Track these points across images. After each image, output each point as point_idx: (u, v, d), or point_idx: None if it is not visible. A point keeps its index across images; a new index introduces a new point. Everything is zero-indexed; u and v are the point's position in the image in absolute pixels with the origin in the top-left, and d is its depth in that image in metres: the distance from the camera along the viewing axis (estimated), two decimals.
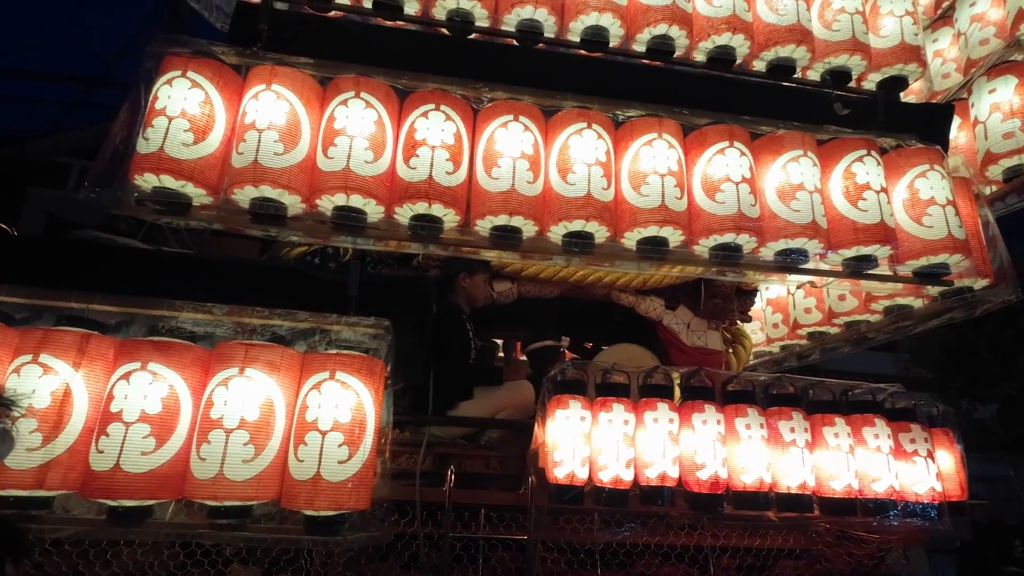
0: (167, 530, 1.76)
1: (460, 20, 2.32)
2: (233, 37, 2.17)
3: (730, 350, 3.45)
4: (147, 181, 1.83)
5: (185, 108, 1.85)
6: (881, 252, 2.18)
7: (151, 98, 1.88)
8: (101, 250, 2.21)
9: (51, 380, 1.64)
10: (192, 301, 1.88)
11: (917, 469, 2.15)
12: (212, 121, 1.89)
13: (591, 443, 2.03)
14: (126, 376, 1.67)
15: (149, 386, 1.66)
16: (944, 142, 2.51)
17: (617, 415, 2.03)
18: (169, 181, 1.83)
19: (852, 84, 2.61)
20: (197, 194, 1.88)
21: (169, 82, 1.88)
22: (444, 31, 2.39)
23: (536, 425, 2.10)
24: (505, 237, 2.03)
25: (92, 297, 1.83)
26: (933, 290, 2.54)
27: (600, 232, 2.05)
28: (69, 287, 1.83)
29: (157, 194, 1.85)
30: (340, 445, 1.70)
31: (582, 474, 1.98)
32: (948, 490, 2.22)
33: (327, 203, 1.94)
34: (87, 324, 1.75)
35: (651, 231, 2.05)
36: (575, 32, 2.38)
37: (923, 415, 2.30)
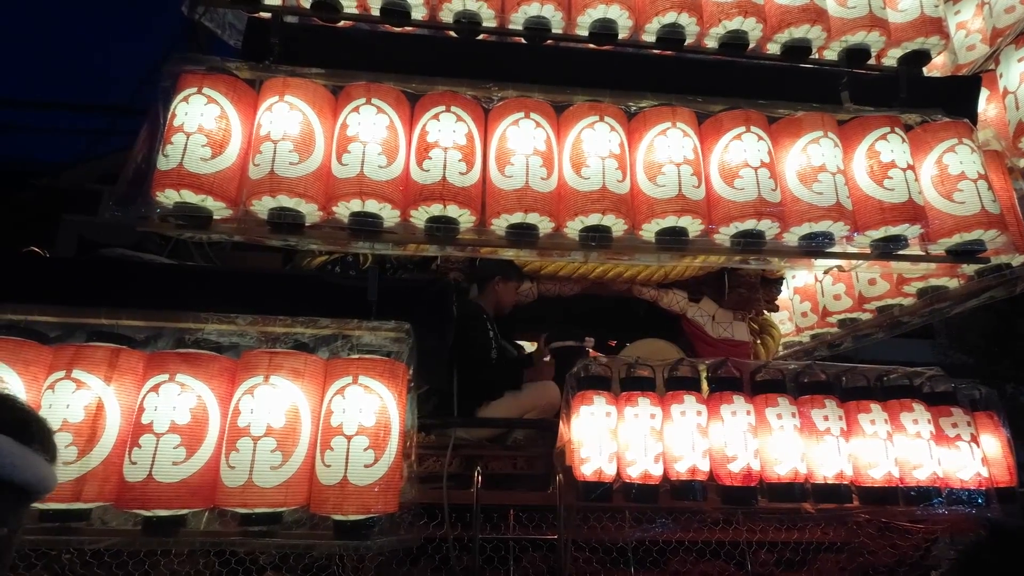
0: (201, 539, 1.78)
1: (467, 21, 2.33)
2: (246, 52, 2.21)
3: (758, 341, 3.39)
4: (168, 197, 1.87)
5: (202, 124, 1.89)
6: (911, 231, 2.11)
7: (169, 116, 1.92)
8: (128, 267, 2.27)
9: (84, 395, 1.67)
10: (217, 312, 1.91)
11: (961, 454, 2.06)
12: (228, 135, 1.92)
13: (618, 439, 2.00)
14: (155, 388, 1.70)
15: (178, 397, 1.69)
16: (972, 115, 2.42)
17: (643, 409, 2.00)
18: (189, 196, 1.86)
19: (872, 61, 2.55)
20: (217, 207, 1.91)
21: (186, 99, 1.92)
22: (452, 33, 2.40)
23: (561, 423, 2.08)
24: (521, 235, 2.02)
25: (121, 313, 1.87)
26: (969, 269, 2.46)
27: (617, 225, 2.03)
28: (99, 304, 1.88)
29: (179, 209, 1.89)
30: (366, 449, 1.70)
31: (610, 471, 1.96)
32: (996, 475, 2.13)
33: (343, 210, 1.95)
34: (117, 339, 1.79)
35: (669, 221, 2.02)
36: (583, 26, 2.36)
37: (964, 398, 2.21)
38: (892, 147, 2.15)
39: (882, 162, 2.13)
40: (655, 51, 2.44)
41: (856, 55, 2.49)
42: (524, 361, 3.16)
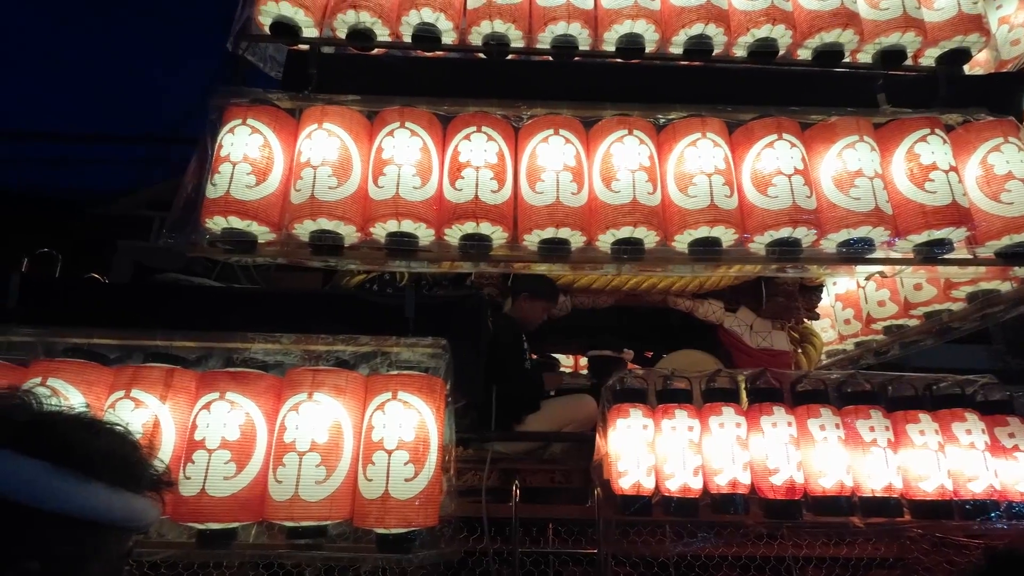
0: (251, 551, 1.85)
1: (496, 43, 2.39)
2: (286, 83, 2.32)
3: (799, 350, 3.31)
4: (217, 223, 1.97)
5: (247, 153, 1.99)
6: (956, 235, 2.05)
7: (216, 147, 2.03)
8: (180, 291, 2.39)
9: (142, 413, 1.77)
10: (263, 332, 2.00)
11: (1019, 466, 1.97)
12: (271, 163, 2.01)
13: (655, 452, 1.98)
14: (207, 406, 1.78)
15: (228, 414, 1.76)
16: (1018, 112, 2.34)
17: (681, 422, 1.98)
18: (236, 222, 1.96)
19: (909, 62, 2.49)
20: (261, 232, 2.00)
21: (232, 130, 2.03)
22: (481, 55, 2.47)
23: (598, 436, 2.08)
24: (554, 249, 2.04)
25: (174, 335, 1.97)
26: (1021, 271, 2.36)
27: (649, 237, 2.03)
28: (154, 327, 1.99)
29: (226, 235, 1.99)
30: (406, 463, 1.74)
31: (648, 484, 1.94)
32: None
33: (380, 230, 2.02)
34: (171, 360, 1.89)
35: (702, 232, 2.01)
36: (610, 42, 2.39)
37: (1021, 407, 2.12)
38: (932, 149, 2.10)
39: (922, 164, 2.08)
40: (683, 63, 2.45)
41: (891, 57, 2.44)
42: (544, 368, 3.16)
